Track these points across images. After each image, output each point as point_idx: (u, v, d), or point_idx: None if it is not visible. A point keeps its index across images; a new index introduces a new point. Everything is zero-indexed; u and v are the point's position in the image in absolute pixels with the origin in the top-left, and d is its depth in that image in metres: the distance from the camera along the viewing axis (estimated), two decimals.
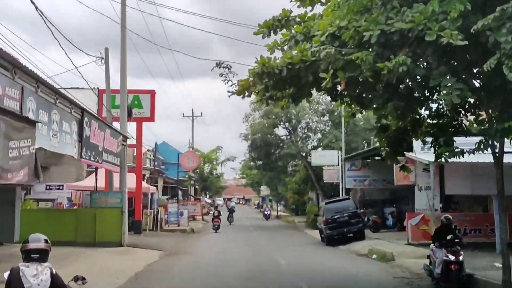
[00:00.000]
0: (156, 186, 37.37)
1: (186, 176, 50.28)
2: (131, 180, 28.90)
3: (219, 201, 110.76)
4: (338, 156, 33.93)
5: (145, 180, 35.17)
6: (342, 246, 24.16)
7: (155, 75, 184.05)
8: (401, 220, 28.83)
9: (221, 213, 38.41)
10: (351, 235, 25.08)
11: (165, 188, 48.40)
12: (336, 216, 25.05)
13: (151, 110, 29.22)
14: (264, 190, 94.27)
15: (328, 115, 38.92)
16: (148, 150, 64.53)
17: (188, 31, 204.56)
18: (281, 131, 40.75)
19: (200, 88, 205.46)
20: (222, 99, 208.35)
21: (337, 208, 25.53)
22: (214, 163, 50.09)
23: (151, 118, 29.56)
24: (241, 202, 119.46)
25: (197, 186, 53.01)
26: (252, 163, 42.72)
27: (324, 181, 35.29)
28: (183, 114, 57.19)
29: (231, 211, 45.47)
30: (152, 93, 29.65)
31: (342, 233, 24.88)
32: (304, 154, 40.30)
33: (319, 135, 40.34)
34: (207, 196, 78.34)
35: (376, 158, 32.82)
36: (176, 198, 45.04)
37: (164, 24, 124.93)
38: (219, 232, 34.69)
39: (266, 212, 49.64)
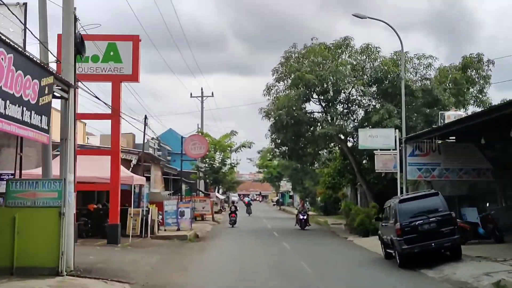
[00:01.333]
0: (148, 177, 28.17)
1: (194, 167, 41.27)
2: (103, 166, 19.88)
3: (234, 197, 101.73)
4: (396, 137, 24.47)
5: (131, 168, 26.06)
6: (429, 271, 14.85)
7: (171, 70, 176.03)
8: (498, 227, 19.72)
9: (238, 208, 38.16)
10: (443, 251, 15.84)
11: (167, 181, 39.26)
12: (418, 222, 15.70)
13: (134, 65, 20.05)
14: (284, 186, 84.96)
15: (376, 85, 29.39)
16: (153, 138, 55.68)
17: (201, 26, 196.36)
18: (313, 106, 31.22)
19: (216, 83, 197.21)
20: (237, 96, 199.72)
21: (419, 208, 16.15)
22: (228, 150, 40.86)
23: (134, 77, 20.35)
24: (257, 198, 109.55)
25: (208, 180, 43.89)
26: (275, 149, 33.08)
27: (376, 171, 25.78)
28: (191, 94, 48.08)
29: (248, 204, 47.91)
30: (135, 40, 20.42)
31: (428, 249, 15.57)
32: (343, 137, 30.79)
33: (362, 113, 30.77)
34: (219, 191, 69.25)
35: (450, 139, 23.51)
36: (179, 193, 35.90)
37: (177, 19, 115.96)
38: (236, 227, 34.80)
39: (302, 217, 32.57)
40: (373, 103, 29.94)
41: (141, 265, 14.82)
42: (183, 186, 36.77)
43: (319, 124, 30.02)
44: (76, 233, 15.20)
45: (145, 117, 28.97)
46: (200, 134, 36.19)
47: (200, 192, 44.08)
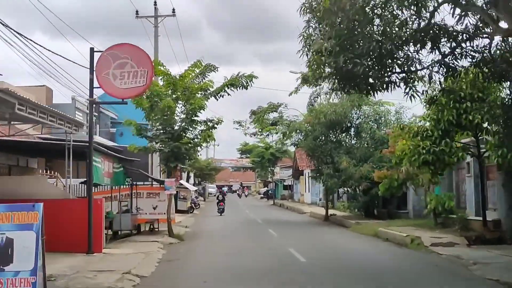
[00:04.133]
0: None
1: (133, 130, 20.88)
2: None
3: (212, 189, 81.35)
4: None
5: None
6: None
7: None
8: None
9: (225, 198, 38.05)
10: None
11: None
12: None
13: None
14: (280, 172, 65.07)
15: None
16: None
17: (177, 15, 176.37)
18: None
19: None
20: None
21: None
22: (199, 96, 20.15)
23: None
24: (238, 191, 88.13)
25: (160, 156, 23.18)
26: (321, 66, 12.69)
27: None
28: (137, 12, 28.07)
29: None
30: None
31: None
32: None
33: None
34: (190, 180, 49.35)
35: None
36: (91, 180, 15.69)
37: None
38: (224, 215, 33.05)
39: None
40: None
41: None
42: (100, 166, 16.42)
43: None
44: None
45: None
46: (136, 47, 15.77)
47: (153, 181, 23.94)
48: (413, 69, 12.60)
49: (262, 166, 59.47)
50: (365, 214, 28.10)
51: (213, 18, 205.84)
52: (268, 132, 29.97)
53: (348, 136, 27.94)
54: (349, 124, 27.76)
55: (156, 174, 31.03)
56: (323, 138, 27.12)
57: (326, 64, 12.10)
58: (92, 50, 15.80)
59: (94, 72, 15.57)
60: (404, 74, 12.89)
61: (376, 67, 12.41)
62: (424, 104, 16.17)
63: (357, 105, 26.99)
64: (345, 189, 29.00)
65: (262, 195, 76.32)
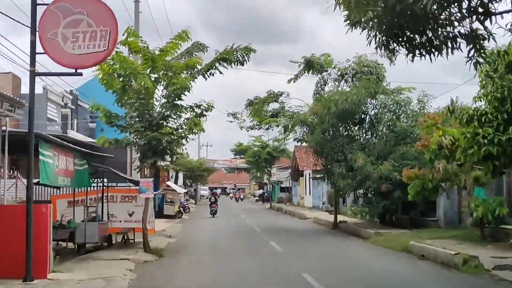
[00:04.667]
0: None
1: (102, 117, 16.64)
2: None
3: (204, 191, 77.01)
4: None
5: None
6: None
7: None
8: None
9: (218, 199, 38.09)
10: None
11: None
12: None
13: None
14: (277, 173, 60.85)
15: None
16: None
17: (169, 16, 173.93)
18: None
19: None
20: (213, 88, 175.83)
21: None
22: (183, 75, 16.01)
23: None
24: (232, 194, 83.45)
25: (136, 149, 18.74)
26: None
27: None
28: None
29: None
30: None
31: None
32: None
33: None
34: (178, 181, 45.39)
35: None
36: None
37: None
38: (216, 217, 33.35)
39: None
40: None
41: None
42: (44, 163, 12.17)
43: None
44: None
45: None
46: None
47: (130, 182, 19.74)
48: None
49: (258, 166, 55.20)
50: (380, 221, 23.97)
51: (206, 20, 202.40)
52: (267, 125, 25.60)
53: (362, 129, 23.73)
54: (363, 116, 23.63)
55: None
56: (333, 131, 22.93)
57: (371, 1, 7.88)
58: (34, 2, 11.51)
59: (37, 32, 11.35)
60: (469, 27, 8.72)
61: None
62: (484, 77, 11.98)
63: (373, 92, 22.86)
64: (360, 191, 24.77)
65: (257, 198, 72.06)
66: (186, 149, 50.57)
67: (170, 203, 33.81)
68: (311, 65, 26.11)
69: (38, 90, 32.60)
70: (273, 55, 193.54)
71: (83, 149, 16.27)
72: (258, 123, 26.15)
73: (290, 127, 24.50)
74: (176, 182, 43.67)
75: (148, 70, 16.16)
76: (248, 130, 28.43)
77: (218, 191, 62.68)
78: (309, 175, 44.83)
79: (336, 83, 25.52)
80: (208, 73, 16.33)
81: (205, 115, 16.77)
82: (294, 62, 29.01)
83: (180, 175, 52.18)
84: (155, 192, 33.87)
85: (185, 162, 57.59)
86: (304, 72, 26.77)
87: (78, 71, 11.66)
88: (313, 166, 44.41)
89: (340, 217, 26.32)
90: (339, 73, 25.53)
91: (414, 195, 17.17)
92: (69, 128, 31.18)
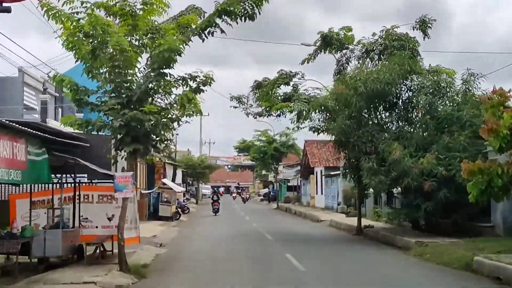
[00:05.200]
0: None
1: (68, 93, 12.64)
2: None
3: (206, 190, 72.94)
4: None
5: None
6: None
7: None
8: None
9: (220, 197, 39.11)
10: None
11: None
12: None
13: None
14: (283, 171, 56.77)
15: None
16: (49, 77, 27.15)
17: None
18: None
19: None
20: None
21: None
22: (176, 36, 12.31)
23: None
24: (235, 193, 78.35)
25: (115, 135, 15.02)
26: None
27: None
28: None
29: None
30: None
31: None
32: None
33: None
34: (176, 179, 41.65)
35: None
36: None
37: None
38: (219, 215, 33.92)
39: None
40: None
41: None
42: None
43: None
44: None
45: None
46: None
47: (105, 176, 15.59)
48: None
49: (264, 163, 51.05)
50: (412, 225, 19.94)
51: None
52: (278, 111, 21.46)
53: (394, 115, 19.63)
54: (395, 99, 19.58)
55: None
56: (361, 117, 18.88)
57: None
58: None
59: None
60: None
61: None
62: None
63: (408, 69, 18.82)
64: (394, 190, 20.68)
65: (262, 197, 67.95)
66: (174, 135, 45.93)
67: (167, 203, 29.85)
68: (328, 42, 22.18)
69: (13, 72, 28.73)
70: (275, 53, 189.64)
71: (41, 133, 12.27)
72: (267, 108, 22.08)
73: (305, 113, 20.40)
74: (174, 180, 39.62)
75: (128, 31, 12.11)
76: (255, 117, 24.25)
77: (221, 189, 58.98)
78: (321, 172, 40.68)
79: (360, 61, 21.50)
80: (206, 32, 12.27)
81: (203, 90, 12.69)
82: (306, 45, 25.12)
83: (179, 172, 48.10)
84: (149, 191, 30.39)
85: (185, 159, 53.64)
86: (321, 51, 22.83)
87: (5, 5, 7.69)
88: (325, 163, 40.47)
89: (364, 221, 22.32)
90: (363, 49, 21.51)
91: (478, 195, 13.00)
92: (49, 116, 27.18)
